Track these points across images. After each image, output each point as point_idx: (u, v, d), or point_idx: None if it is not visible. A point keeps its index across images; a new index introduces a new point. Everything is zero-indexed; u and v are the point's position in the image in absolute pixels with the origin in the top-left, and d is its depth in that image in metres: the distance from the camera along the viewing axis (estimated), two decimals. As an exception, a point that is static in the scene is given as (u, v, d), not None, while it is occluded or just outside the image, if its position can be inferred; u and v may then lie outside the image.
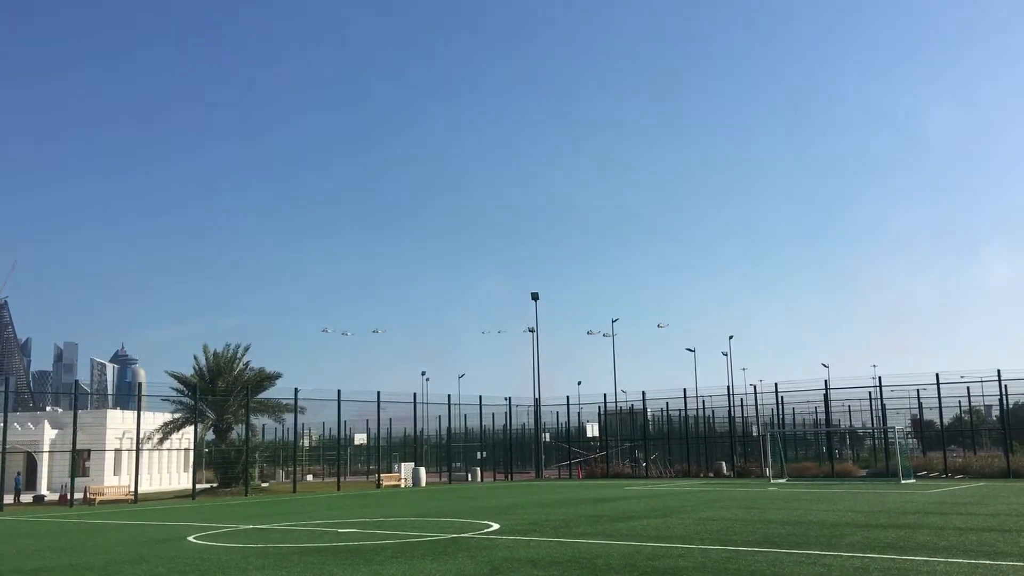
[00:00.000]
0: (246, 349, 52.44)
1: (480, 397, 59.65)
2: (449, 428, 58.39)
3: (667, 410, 61.32)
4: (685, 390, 57.03)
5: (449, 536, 19.37)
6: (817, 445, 65.09)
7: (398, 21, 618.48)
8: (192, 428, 49.84)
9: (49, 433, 55.17)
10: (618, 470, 57.88)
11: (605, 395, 60.86)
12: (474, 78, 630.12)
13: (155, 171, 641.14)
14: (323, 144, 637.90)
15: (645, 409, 58.95)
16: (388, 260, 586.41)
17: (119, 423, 57.24)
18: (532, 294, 63.29)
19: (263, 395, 50.94)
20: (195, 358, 51.26)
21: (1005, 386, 47.05)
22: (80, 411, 44.97)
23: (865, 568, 13.02)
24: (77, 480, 43.27)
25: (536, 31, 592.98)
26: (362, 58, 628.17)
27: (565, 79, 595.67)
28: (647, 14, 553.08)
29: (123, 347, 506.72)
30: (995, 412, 62.96)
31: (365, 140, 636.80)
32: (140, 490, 43.37)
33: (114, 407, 62.71)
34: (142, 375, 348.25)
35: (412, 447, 59.91)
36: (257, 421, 53.78)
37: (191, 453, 52.13)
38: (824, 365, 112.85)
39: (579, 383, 77.73)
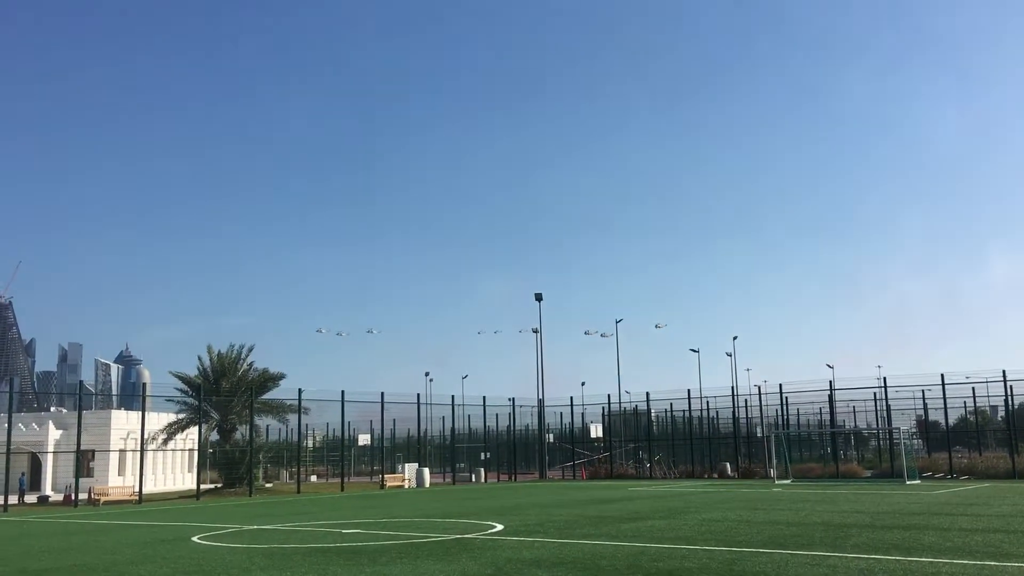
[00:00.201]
0: (250, 350, 52.52)
1: (484, 398, 59.68)
2: (453, 429, 58.39)
3: (671, 411, 61.23)
4: (689, 391, 57.03)
5: (453, 537, 19.35)
6: (822, 446, 64.93)
7: (401, 22, 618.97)
8: (196, 429, 49.80)
9: (53, 434, 55.21)
10: (622, 471, 57.81)
11: (609, 396, 60.86)
12: (477, 78, 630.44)
13: (160, 172, 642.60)
14: (328, 145, 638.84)
15: (649, 410, 58.87)
16: (392, 261, 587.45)
17: (123, 423, 57.27)
18: (536, 295, 63.30)
19: (267, 396, 50.96)
20: (199, 359, 51.37)
21: (1010, 386, 46.92)
22: (84, 411, 44.96)
23: (870, 569, 12.98)
24: (81, 480, 43.31)
25: (539, 31, 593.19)
26: (365, 59, 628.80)
27: (568, 79, 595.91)
28: (649, 14, 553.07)
29: (127, 347, 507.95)
30: (1000, 413, 62.75)
31: (369, 141, 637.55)
32: (144, 490, 43.40)
33: (118, 407, 62.73)
34: (146, 375, 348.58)
35: (416, 448, 59.94)
36: (261, 422, 53.85)
37: (195, 454, 52.17)
38: (828, 366, 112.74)
39: (583, 384, 78.17)
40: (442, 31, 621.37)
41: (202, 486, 46.74)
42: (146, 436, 45.33)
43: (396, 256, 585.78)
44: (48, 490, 50.98)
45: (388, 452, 65.51)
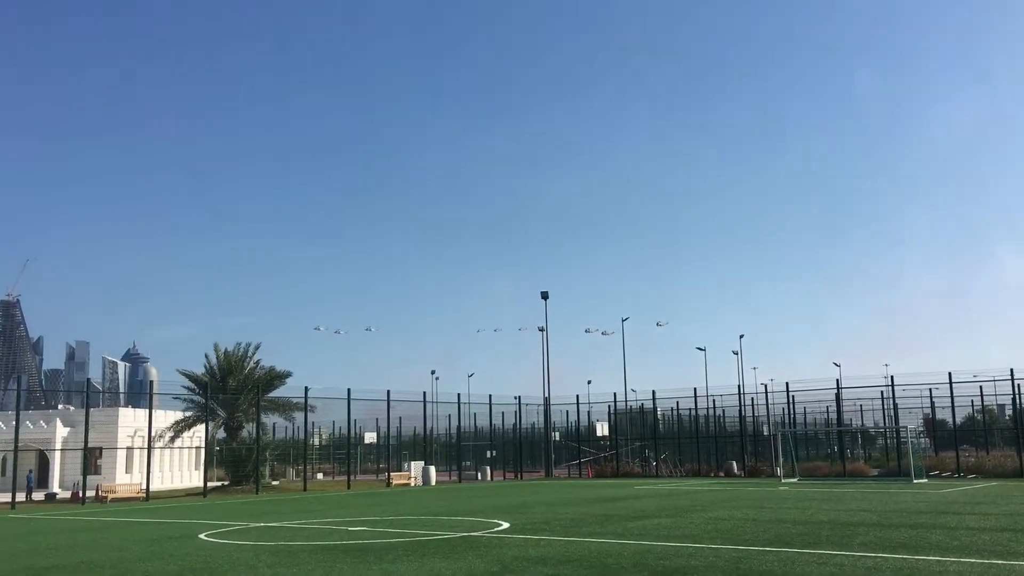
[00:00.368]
0: (256, 348, 52.58)
1: (490, 396, 59.69)
2: (459, 427, 58.42)
3: (677, 409, 61.20)
4: (695, 389, 56.95)
5: (459, 535, 19.37)
6: (828, 444, 64.87)
7: (405, 22, 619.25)
8: (203, 426, 49.95)
9: (61, 431, 55.43)
10: (628, 469, 57.80)
11: (615, 394, 60.83)
12: (478, 78, 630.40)
13: (167, 170, 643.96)
14: (333, 145, 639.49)
15: (655, 408, 58.83)
16: (398, 260, 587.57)
17: (131, 421, 57.48)
18: (542, 293, 63.29)
19: (273, 394, 51.04)
20: (206, 356, 51.45)
21: (1018, 385, 46.78)
22: (92, 409, 45.16)
23: (877, 568, 12.96)
24: (89, 478, 43.43)
25: (546, 32, 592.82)
26: (370, 59, 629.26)
27: (574, 78, 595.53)
28: (655, 13, 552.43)
29: (134, 345, 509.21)
30: (1008, 411, 62.57)
31: (373, 141, 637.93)
32: (152, 488, 43.51)
33: (126, 405, 63.09)
34: (153, 373, 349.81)
35: (422, 446, 59.94)
36: (268, 419, 53.98)
37: (202, 451, 52.27)
38: (836, 364, 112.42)
39: (589, 382, 77.79)
40: (452, 32, 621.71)
41: (209, 483, 46.85)
42: (153, 434, 45.45)
43: (402, 255, 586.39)
44: (56, 487, 51.21)
45: (394, 450, 65.57)
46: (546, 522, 22.33)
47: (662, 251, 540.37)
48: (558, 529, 20.30)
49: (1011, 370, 46.39)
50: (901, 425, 50.06)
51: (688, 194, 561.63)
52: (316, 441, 71.36)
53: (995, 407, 63.63)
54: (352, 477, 53.74)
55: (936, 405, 54.49)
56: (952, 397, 48.30)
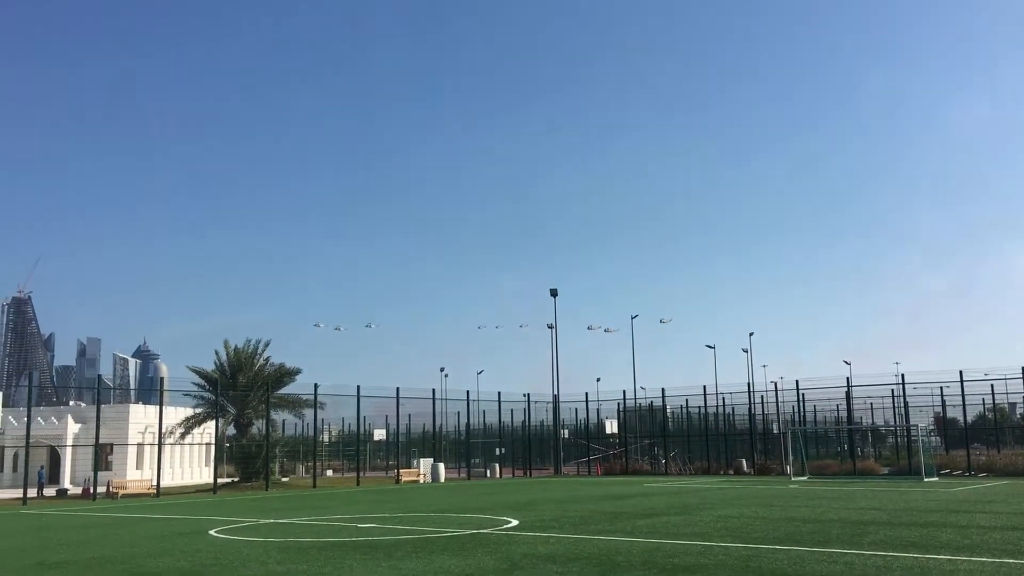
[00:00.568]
0: (266, 345, 52.66)
1: (499, 393, 59.65)
2: (468, 424, 58.43)
3: (687, 407, 61.08)
4: (705, 387, 56.84)
5: (468, 532, 19.38)
6: (839, 442, 64.63)
7: (411, 22, 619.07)
8: (213, 423, 50.06)
9: (72, 427, 55.65)
10: (637, 467, 57.72)
11: (624, 392, 60.71)
12: (483, 77, 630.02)
13: (176, 170, 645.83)
14: (342, 144, 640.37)
15: (664, 406, 58.71)
16: (405, 259, 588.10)
17: (141, 417, 57.67)
18: (551, 290, 63.16)
19: (283, 391, 51.12)
20: (216, 353, 51.53)
21: (1030, 383, 46.50)
22: (103, 406, 45.31)
23: (887, 566, 12.91)
24: (100, 474, 43.57)
25: (547, 31, 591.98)
26: (373, 60, 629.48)
27: (582, 77, 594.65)
28: (663, 12, 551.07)
29: (145, 342, 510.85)
30: (1019, 410, 62.26)
31: (379, 141, 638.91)
32: (162, 484, 43.65)
33: (136, 402, 63.23)
34: (164, 370, 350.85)
35: (431, 443, 59.99)
36: (277, 416, 54.04)
37: (212, 448, 52.44)
38: (846, 362, 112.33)
39: (598, 380, 77.86)
40: (459, 31, 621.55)
41: (219, 480, 46.95)
42: (164, 430, 45.59)
43: (408, 254, 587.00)
44: (67, 483, 51.42)
45: (403, 447, 65.64)
46: (555, 519, 22.33)
47: (668, 249, 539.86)
48: (567, 527, 20.29)
49: (1022, 368, 46.15)
50: (912, 423, 49.85)
51: (694, 192, 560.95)
52: (326, 438, 71.50)
53: (1006, 405, 63.32)
54: (361, 474, 53.79)
55: (947, 403, 54.26)
56: (963, 395, 48.06)
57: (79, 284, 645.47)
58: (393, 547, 16.53)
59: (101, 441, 43.66)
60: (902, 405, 51.25)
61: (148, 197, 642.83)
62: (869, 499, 28.23)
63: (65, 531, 22.88)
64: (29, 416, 42.05)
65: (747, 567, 13.06)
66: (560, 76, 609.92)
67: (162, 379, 53.34)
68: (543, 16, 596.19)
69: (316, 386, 49.09)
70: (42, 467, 50.44)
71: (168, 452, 53.21)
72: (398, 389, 52.34)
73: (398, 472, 53.82)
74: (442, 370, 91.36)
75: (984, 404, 58.17)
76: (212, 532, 20.77)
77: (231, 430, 51.55)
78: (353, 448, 60.51)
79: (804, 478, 44.98)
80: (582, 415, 64.08)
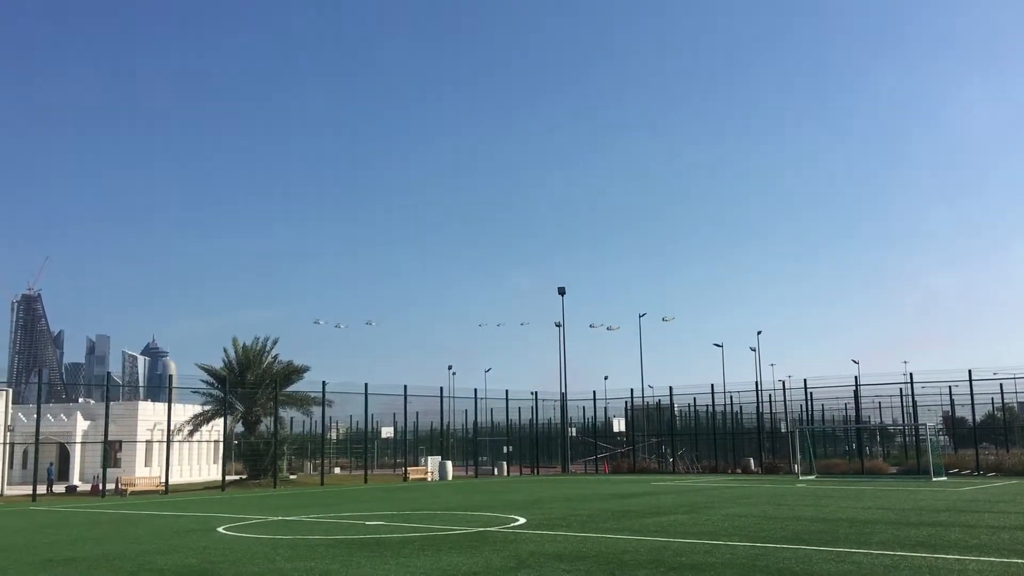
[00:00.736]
0: (275, 342, 52.75)
1: (507, 391, 59.68)
2: (476, 422, 58.45)
3: (694, 405, 60.98)
4: (713, 385, 56.74)
5: (475, 530, 19.39)
6: (847, 442, 64.46)
7: (413, 22, 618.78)
8: (222, 420, 50.21)
9: (81, 424, 55.86)
10: (644, 465, 57.68)
11: (632, 390, 60.64)
12: (495, 76, 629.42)
13: (186, 167, 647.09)
14: (350, 142, 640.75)
15: (672, 404, 58.64)
16: (414, 257, 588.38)
17: (150, 415, 57.85)
18: (559, 289, 63.17)
19: (291, 388, 51.20)
20: (225, 351, 51.65)
21: (1039, 383, 46.35)
22: (112, 403, 45.44)
23: (895, 566, 12.88)
24: (109, 471, 43.74)
25: (556, 28, 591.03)
26: (377, 60, 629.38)
27: (590, 76, 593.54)
28: (676, 6, 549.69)
29: (154, 340, 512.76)
30: (1029, 409, 61.89)
31: (388, 140, 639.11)
32: (171, 481, 43.79)
33: (145, 399, 63.38)
34: (172, 367, 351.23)
35: (439, 441, 60.04)
36: (285, 414, 54.11)
37: (221, 445, 52.59)
38: (854, 361, 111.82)
39: (606, 378, 77.93)
40: (465, 31, 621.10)
41: (227, 477, 47.08)
42: (172, 427, 45.73)
43: (417, 253, 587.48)
44: (76, 480, 51.61)
45: (411, 445, 65.77)
46: (562, 518, 22.33)
47: (676, 247, 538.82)
48: (575, 525, 20.29)
49: (1032, 368, 45.94)
50: (920, 423, 49.69)
51: (701, 190, 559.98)
52: (333, 435, 71.48)
53: (1015, 405, 63.06)
54: (369, 471, 53.89)
55: (956, 403, 54.10)
56: (972, 395, 47.87)
57: (88, 282, 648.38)
58: (401, 545, 16.55)
59: (110, 438, 43.83)
60: (911, 404, 51.10)
61: (157, 197, 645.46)
62: (877, 498, 28.16)
63: (74, 528, 22.97)
64: (39, 413, 42.20)
65: (755, 566, 13.05)
66: (562, 75, 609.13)
67: (171, 376, 53.56)
68: (544, 16, 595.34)
69: (324, 384, 49.18)
70: (51, 464, 50.66)
71: (177, 449, 53.40)
72: (406, 387, 52.46)
73: (406, 470, 53.88)
74: (450, 368, 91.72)
75: (993, 403, 57.93)
76: (220, 529, 20.84)
77: (239, 427, 51.67)
78: (361, 446, 60.53)
79: (812, 477, 44.88)
80: (589, 413, 64.15)
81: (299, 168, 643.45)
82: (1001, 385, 53.70)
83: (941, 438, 60.32)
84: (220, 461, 51.90)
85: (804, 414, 55.94)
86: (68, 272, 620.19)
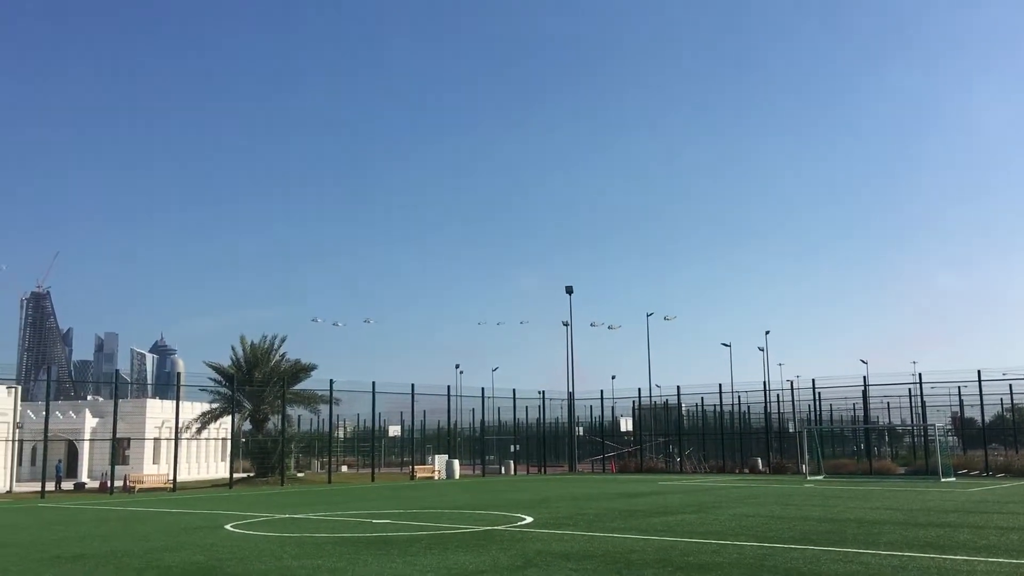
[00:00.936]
0: (282, 340, 52.91)
1: (514, 391, 59.69)
2: (483, 421, 58.50)
3: (702, 405, 60.91)
4: (720, 385, 56.67)
5: (482, 528, 19.39)
6: (855, 442, 64.31)
7: (416, 22, 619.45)
8: (229, 418, 50.37)
9: (90, 422, 56.06)
10: (652, 465, 57.63)
11: (639, 389, 60.62)
12: (496, 76, 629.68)
13: (194, 165, 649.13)
14: (357, 142, 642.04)
15: (680, 404, 58.58)
16: (420, 256, 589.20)
17: (158, 412, 58.05)
18: (566, 288, 63.18)
19: (299, 386, 51.37)
20: (232, 349, 51.85)
21: (1049, 384, 46.12)
22: (120, 400, 45.63)
23: (903, 567, 12.83)
24: (117, 468, 43.92)
25: (561, 29, 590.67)
26: (383, 57, 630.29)
27: (595, 76, 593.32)
28: (676, 10, 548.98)
29: (162, 337, 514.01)
30: (1038, 410, 61.54)
31: (392, 140, 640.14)
32: (178, 478, 43.92)
33: (153, 397, 63.58)
34: (181, 365, 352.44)
35: (446, 439, 60.08)
36: (293, 412, 54.32)
37: (228, 443, 52.70)
38: (862, 361, 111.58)
39: (613, 377, 77.98)
40: (471, 30, 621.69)
41: (235, 475, 47.23)
42: (180, 425, 45.88)
43: (423, 252, 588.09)
44: (84, 477, 51.80)
45: (418, 443, 65.78)
46: (569, 517, 22.32)
47: (684, 245, 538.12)
48: (582, 524, 20.28)
49: (1042, 368, 45.74)
50: (929, 423, 49.52)
51: (708, 189, 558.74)
52: (341, 434, 71.74)
53: (1025, 405, 62.77)
54: (376, 470, 53.98)
55: (965, 403, 53.87)
56: (981, 395, 47.74)
57: (97, 280, 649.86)
58: (408, 543, 16.55)
59: (118, 435, 43.97)
60: (919, 404, 50.94)
61: (165, 196, 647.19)
62: (885, 499, 28.08)
63: (82, 525, 23.05)
64: (47, 410, 42.40)
65: (762, 566, 13.01)
66: (562, 75, 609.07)
67: (179, 374, 53.63)
68: (545, 16, 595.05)
69: (332, 382, 49.30)
70: (60, 461, 50.87)
71: (184, 447, 53.55)
72: (413, 385, 52.54)
73: (413, 468, 53.94)
74: (457, 367, 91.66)
75: (1002, 404, 57.65)
76: (228, 527, 20.88)
77: (247, 425, 51.82)
78: (368, 444, 60.65)
79: (820, 477, 44.78)
80: (597, 413, 64.13)
81: (305, 171, 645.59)
82: (1010, 386, 53.43)
83: (950, 439, 60.05)
84: (228, 459, 52.00)
85: (812, 414, 55.80)
86: (77, 269, 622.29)
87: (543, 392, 62.08)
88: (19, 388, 47.06)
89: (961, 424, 57.22)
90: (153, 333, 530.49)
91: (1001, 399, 56.07)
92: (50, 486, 42.12)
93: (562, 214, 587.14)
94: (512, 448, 62.24)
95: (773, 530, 18.46)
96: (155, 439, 56.71)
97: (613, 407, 63.36)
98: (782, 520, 20.82)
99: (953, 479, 41.75)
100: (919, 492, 31.92)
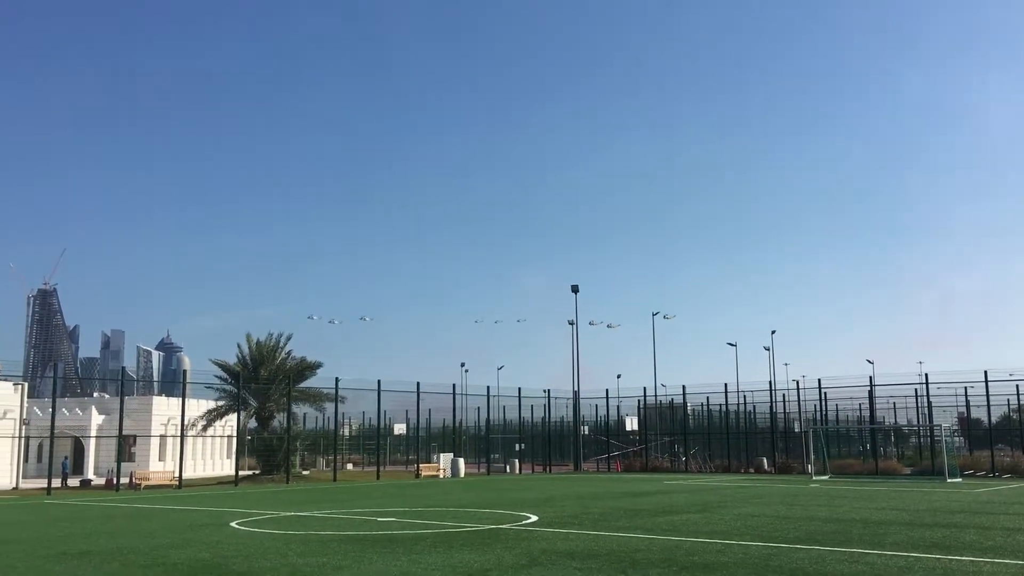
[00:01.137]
0: (288, 338, 52.93)
1: (519, 389, 59.70)
2: (488, 419, 58.48)
3: (707, 404, 60.84)
4: (726, 384, 56.58)
5: (487, 527, 19.40)
6: (861, 442, 64.18)
7: (418, 22, 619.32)
8: (235, 416, 50.41)
9: (96, 419, 56.19)
10: (657, 464, 57.58)
11: (645, 389, 60.55)
12: (497, 76, 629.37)
13: (200, 163, 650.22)
14: (357, 142, 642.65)
15: (685, 403, 58.53)
16: (424, 256, 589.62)
17: (164, 410, 58.13)
18: (572, 287, 63.14)
19: (304, 384, 51.37)
20: (238, 346, 51.89)
21: (1056, 385, 45.96)
22: (126, 397, 45.66)
23: (909, 567, 12.80)
24: (123, 465, 43.98)
25: (561, 29, 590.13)
26: (384, 57, 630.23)
27: (595, 76, 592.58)
28: (683, 10, 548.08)
29: (168, 335, 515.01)
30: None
31: (394, 140, 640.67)
32: (184, 476, 44.00)
33: (159, 394, 63.78)
34: (187, 363, 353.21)
35: (451, 438, 60.12)
36: (298, 409, 54.36)
37: (234, 440, 52.81)
38: (869, 361, 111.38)
39: (618, 376, 77.80)
40: (475, 30, 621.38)
41: (240, 472, 47.30)
42: (186, 422, 45.96)
43: (427, 252, 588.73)
44: (91, 474, 51.92)
45: (423, 442, 65.82)
46: (574, 516, 22.31)
47: (691, 244, 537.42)
48: (587, 523, 20.27)
49: (1049, 369, 45.60)
50: (935, 423, 49.40)
51: (714, 188, 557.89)
52: (346, 432, 71.72)
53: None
54: (381, 468, 54.01)
55: (971, 403, 53.73)
56: (988, 395, 47.56)
57: (103, 277, 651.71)
58: (413, 541, 16.56)
59: (124, 432, 44.05)
60: (925, 405, 50.82)
61: (171, 194, 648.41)
62: (891, 499, 28.01)
63: (88, 522, 23.10)
64: (54, 407, 42.49)
65: (767, 566, 12.99)
66: (563, 75, 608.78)
67: (185, 372, 53.78)
68: (546, 16, 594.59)
69: (337, 380, 49.33)
70: (66, 458, 51.00)
71: (190, 444, 53.64)
72: (418, 384, 52.55)
73: (418, 467, 53.97)
74: (462, 365, 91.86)
75: (1009, 405, 57.51)
76: (233, 524, 20.91)
77: (252, 423, 51.86)
78: (373, 442, 60.71)
79: (825, 477, 44.70)
80: (602, 412, 64.11)
81: (311, 170, 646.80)
82: (1017, 386, 53.31)
83: (956, 439, 60.00)
84: (233, 456, 52.10)
85: (818, 414, 55.71)
86: (84, 267, 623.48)
87: (548, 391, 62.14)
88: (26, 385, 47.19)
89: (967, 425, 57.15)
90: (159, 330, 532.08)
91: (1008, 400, 55.93)
92: (56, 483, 42.22)
93: (564, 214, 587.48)
94: (517, 447, 62.25)
95: (778, 530, 18.43)
96: (161, 436, 56.81)
97: (618, 406, 63.40)
98: (787, 520, 20.79)
99: (959, 480, 41.64)
100: (925, 493, 31.85)
